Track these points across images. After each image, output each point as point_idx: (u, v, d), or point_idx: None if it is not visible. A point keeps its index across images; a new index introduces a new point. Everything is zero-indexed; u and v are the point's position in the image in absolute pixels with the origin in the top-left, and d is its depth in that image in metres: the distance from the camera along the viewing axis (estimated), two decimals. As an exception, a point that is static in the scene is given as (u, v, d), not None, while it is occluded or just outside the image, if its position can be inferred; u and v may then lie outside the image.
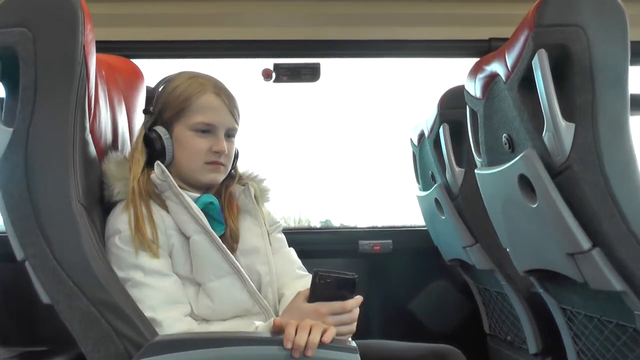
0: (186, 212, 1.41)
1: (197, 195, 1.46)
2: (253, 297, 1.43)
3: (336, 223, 3.29)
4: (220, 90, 1.49)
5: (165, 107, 1.48)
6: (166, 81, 1.51)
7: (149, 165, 1.45)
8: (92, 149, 1.36)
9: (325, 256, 2.68)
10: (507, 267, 2.06)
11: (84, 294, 1.22)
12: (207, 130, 1.46)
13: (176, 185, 1.42)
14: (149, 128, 1.48)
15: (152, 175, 1.43)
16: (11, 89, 1.27)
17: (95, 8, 1.39)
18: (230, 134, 1.51)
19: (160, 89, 1.51)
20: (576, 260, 1.36)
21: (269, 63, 2.48)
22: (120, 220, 1.38)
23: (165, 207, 1.43)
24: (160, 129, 1.46)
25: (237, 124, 1.52)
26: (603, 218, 1.28)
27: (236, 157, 1.58)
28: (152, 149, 1.45)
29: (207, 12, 2.38)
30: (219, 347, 1.21)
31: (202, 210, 1.44)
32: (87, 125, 1.31)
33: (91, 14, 1.30)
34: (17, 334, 2.47)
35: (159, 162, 1.43)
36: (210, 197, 1.48)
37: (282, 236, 1.62)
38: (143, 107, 1.70)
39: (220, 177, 1.50)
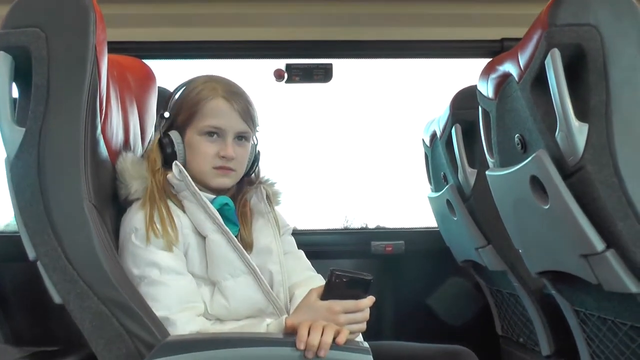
0: (203, 211, 1.43)
1: (212, 196, 1.48)
2: (268, 298, 1.44)
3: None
4: (231, 95, 1.49)
5: (179, 112, 1.50)
6: (182, 86, 1.53)
7: (164, 165, 1.47)
8: (104, 149, 1.37)
9: (337, 257, 2.68)
10: (520, 268, 2.05)
11: (95, 294, 1.23)
12: (215, 133, 1.47)
13: (193, 184, 1.43)
14: (164, 132, 1.49)
15: (169, 175, 1.45)
16: (24, 88, 1.28)
17: (108, 8, 1.39)
18: (242, 138, 1.51)
19: (175, 95, 1.53)
20: (590, 261, 1.35)
21: (281, 64, 2.48)
22: (137, 218, 1.39)
23: (181, 207, 1.45)
24: (174, 134, 1.48)
25: (251, 128, 1.52)
26: (617, 219, 1.27)
27: (256, 160, 1.59)
28: (165, 153, 1.47)
29: (219, 13, 2.39)
30: (231, 347, 1.21)
31: (217, 210, 1.45)
32: (99, 125, 1.32)
33: (103, 15, 1.30)
34: (29, 334, 2.48)
35: (177, 162, 1.45)
36: (225, 199, 1.49)
37: (292, 239, 1.63)
38: (155, 107, 1.73)
39: (229, 182, 1.51)
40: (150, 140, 1.69)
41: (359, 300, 1.29)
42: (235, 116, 1.48)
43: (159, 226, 1.38)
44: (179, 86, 1.54)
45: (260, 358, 1.21)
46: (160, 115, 1.53)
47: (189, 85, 1.52)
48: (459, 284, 2.72)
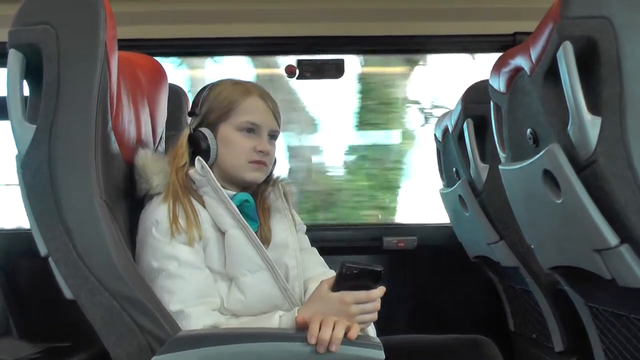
0: (223, 206, 1.45)
1: (233, 193, 1.50)
2: (284, 294, 1.45)
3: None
4: (265, 95, 1.54)
5: (210, 110, 1.52)
6: (210, 87, 1.56)
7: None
8: (115, 145, 1.38)
9: (349, 252, 2.68)
10: (532, 263, 2.04)
11: (106, 289, 1.23)
12: (252, 129, 1.50)
13: (215, 180, 1.45)
14: (193, 129, 1.52)
15: (191, 171, 1.47)
16: (35, 86, 1.29)
17: (118, 6, 1.40)
18: (272, 136, 1.55)
19: (205, 94, 1.55)
20: (603, 256, 1.34)
21: (292, 60, 2.48)
22: (158, 212, 1.41)
23: (201, 203, 1.47)
24: (205, 130, 1.50)
25: (279, 127, 1.56)
26: (631, 213, 1.25)
27: (275, 163, 1.62)
28: (197, 148, 1.49)
29: (230, 9, 2.39)
30: (242, 342, 1.22)
31: (237, 207, 1.46)
32: (109, 121, 1.32)
33: (114, 12, 1.31)
34: (41, 330, 2.50)
35: (199, 157, 1.47)
36: (246, 195, 1.51)
37: (306, 237, 1.66)
38: (166, 104, 1.74)
39: (262, 177, 1.54)
40: (161, 137, 1.70)
41: (370, 290, 1.30)
42: (270, 115, 1.53)
43: (181, 220, 1.40)
44: (205, 87, 1.57)
45: (271, 353, 1.22)
46: (188, 114, 1.57)
47: (218, 86, 1.55)
48: (471, 279, 2.71)
